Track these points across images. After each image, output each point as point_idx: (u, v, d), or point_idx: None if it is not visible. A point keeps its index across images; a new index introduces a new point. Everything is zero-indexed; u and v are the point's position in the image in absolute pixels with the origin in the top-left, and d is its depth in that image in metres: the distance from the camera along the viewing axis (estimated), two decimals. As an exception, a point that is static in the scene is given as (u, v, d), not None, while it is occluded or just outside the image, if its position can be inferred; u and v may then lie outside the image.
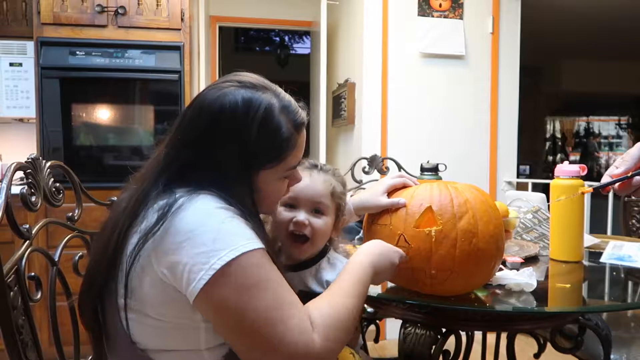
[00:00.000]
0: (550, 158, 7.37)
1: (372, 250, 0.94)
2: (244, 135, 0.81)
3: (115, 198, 1.03)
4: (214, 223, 0.74)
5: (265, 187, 0.85)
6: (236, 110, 0.81)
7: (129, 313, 0.78)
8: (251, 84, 0.84)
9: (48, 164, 1.00)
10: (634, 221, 2.19)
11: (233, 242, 0.73)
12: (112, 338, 0.84)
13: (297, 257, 0.98)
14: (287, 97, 0.88)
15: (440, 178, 1.69)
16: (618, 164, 1.04)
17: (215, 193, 0.79)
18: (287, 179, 0.90)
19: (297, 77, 4.38)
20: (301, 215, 0.96)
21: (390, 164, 2.26)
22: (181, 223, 0.74)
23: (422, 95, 2.99)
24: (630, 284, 1.29)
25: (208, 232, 0.73)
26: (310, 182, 0.97)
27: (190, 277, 0.72)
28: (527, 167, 6.05)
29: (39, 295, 0.91)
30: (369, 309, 1.44)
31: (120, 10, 2.53)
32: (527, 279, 1.07)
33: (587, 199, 2.65)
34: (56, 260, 1.06)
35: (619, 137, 8.12)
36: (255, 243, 0.75)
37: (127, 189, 0.87)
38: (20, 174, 0.91)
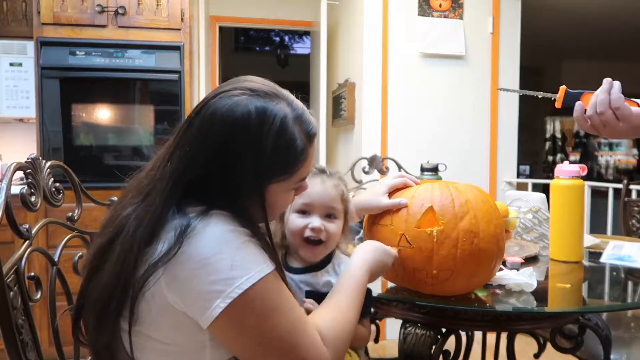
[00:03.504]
0: (550, 158, 7.36)
1: (369, 256, 0.95)
2: (258, 147, 0.77)
3: (115, 198, 1.02)
4: (230, 250, 0.73)
5: (274, 199, 0.83)
6: (250, 121, 0.77)
7: (132, 336, 0.77)
8: (264, 92, 0.80)
9: (48, 164, 1.00)
10: (634, 221, 2.19)
11: (249, 269, 0.73)
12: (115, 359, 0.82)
13: (311, 259, 0.99)
14: (300, 105, 0.85)
15: (440, 178, 1.69)
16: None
17: (227, 212, 0.77)
18: (294, 190, 0.88)
19: (297, 77, 4.39)
20: (316, 222, 0.96)
21: (390, 164, 2.26)
22: (195, 250, 0.72)
23: (422, 95, 2.98)
24: (630, 284, 1.29)
25: (224, 259, 0.72)
26: (323, 188, 0.97)
27: (205, 305, 0.71)
28: (527, 167, 6.05)
29: (39, 295, 0.91)
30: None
31: (120, 10, 2.53)
32: (527, 279, 1.07)
33: (587, 199, 2.65)
34: (56, 260, 1.06)
35: (619, 137, 8.09)
36: (269, 266, 0.75)
37: (126, 201, 0.82)
38: (20, 174, 0.91)
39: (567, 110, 1.05)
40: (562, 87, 1.06)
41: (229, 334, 0.74)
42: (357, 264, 0.92)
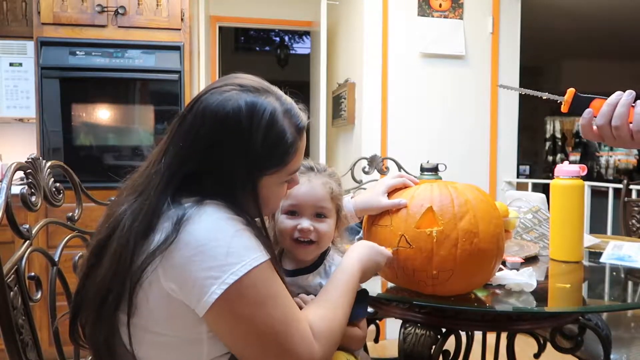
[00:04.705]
0: (550, 158, 7.36)
1: (361, 254, 0.95)
2: (249, 141, 0.79)
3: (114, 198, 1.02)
4: (225, 237, 0.74)
5: (267, 193, 0.84)
6: (240, 115, 0.79)
7: (130, 329, 0.77)
8: (253, 87, 0.82)
9: (48, 164, 1.00)
10: (634, 221, 2.19)
11: (245, 256, 0.74)
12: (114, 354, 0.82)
13: (304, 258, 0.97)
14: (289, 100, 0.86)
15: (440, 178, 1.69)
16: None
17: (221, 202, 0.78)
18: (286, 183, 0.89)
19: (297, 77, 4.39)
20: (305, 223, 0.94)
21: (390, 164, 2.26)
22: (191, 237, 0.73)
23: (422, 95, 2.99)
24: (630, 284, 1.29)
25: (220, 246, 0.73)
26: (309, 187, 0.95)
27: (201, 292, 0.72)
28: (527, 167, 6.04)
29: (39, 295, 0.91)
30: (370, 310, 1.44)
31: (120, 10, 2.53)
32: (527, 279, 1.07)
33: (587, 199, 2.65)
34: (56, 260, 1.06)
35: (619, 137, 8.07)
36: (264, 255, 0.76)
37: (122, 199, 0.83)
38: (20, 174, 0.91)
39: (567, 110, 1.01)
40: (571, 90, 0.98)
41: (223, 323, 0.74)
42: (350, 261, 0.93)
